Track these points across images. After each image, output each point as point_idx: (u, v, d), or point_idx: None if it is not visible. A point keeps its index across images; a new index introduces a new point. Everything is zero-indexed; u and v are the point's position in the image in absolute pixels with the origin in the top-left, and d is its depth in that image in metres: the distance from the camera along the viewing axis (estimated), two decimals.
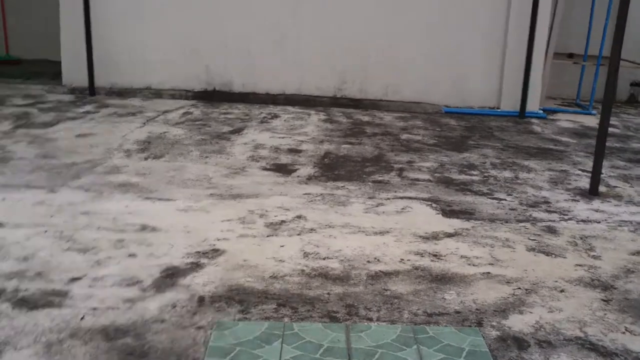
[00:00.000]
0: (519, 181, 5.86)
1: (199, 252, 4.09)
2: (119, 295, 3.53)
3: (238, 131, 7.13)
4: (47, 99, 8.34)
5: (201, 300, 3.51)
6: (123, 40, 8.66)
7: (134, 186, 5.26)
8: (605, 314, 3.57)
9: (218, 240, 4.29)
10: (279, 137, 6.95)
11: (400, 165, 6.14)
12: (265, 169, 5.88)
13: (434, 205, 5.15)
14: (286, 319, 3.35)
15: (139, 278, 3.73)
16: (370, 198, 5.23)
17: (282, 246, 4.24)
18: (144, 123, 7.32)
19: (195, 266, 3.91)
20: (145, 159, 6.04)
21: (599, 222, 4.95)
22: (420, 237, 4.50)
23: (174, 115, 7.71)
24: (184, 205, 4.89)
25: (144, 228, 4.44)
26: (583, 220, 4.97)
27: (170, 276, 3.77)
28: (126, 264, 3.90)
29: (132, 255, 4.02)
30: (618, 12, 5.31)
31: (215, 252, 4.10)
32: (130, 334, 3.17)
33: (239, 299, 3.54)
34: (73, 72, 8.74)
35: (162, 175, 5.56)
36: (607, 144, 5.63)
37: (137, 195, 5.06)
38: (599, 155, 5.51)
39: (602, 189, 5.66)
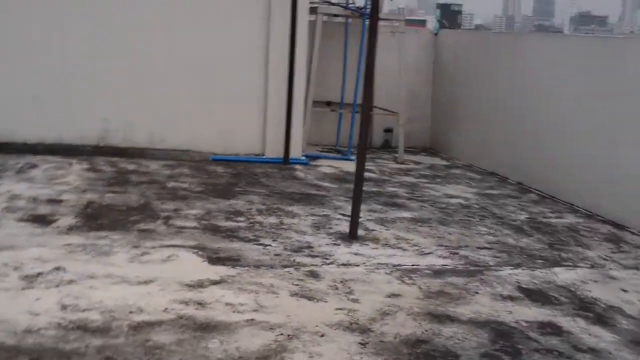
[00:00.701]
0: (283, 226, 6.00)
1: None
2: None
3: None
4: None
5: None
6: None
7: None
8: (361, 357, 3.72)
9: None
10: (38, 188, 6.63)
11: (167, 214, 6.08)
12: (21, 220, 5.59)
13: (200, 252, 5.14)
14: None
15: None
16: (135, 247, 5.12)
17: (38, 299, 4.04)
18: None
19: None
20: None
21: (358, 265, 5.18)
22: (186, 285, 4.47)
23: None
24: None
25: None
26: (343, 264, 5.18)
27: None
28: None
29: None
30: (366, 66, 5.66)
31: None
32: None
33: None
34: None
35: None
36: (364, 188, 5.93)
37: None
38: (356, 199, 5.78)
39: (360, 232, 5.93)
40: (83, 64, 8.32)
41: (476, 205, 7.41)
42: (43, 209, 5.92)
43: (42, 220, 5.61)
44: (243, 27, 8.64)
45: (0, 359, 3.30)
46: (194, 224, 5.86)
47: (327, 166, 8.83)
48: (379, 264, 5.26)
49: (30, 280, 4.32)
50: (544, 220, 6.99)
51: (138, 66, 8.46)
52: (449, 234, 6.25)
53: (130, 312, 3.96)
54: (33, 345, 3.46)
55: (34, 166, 7.52)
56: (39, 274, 4.42)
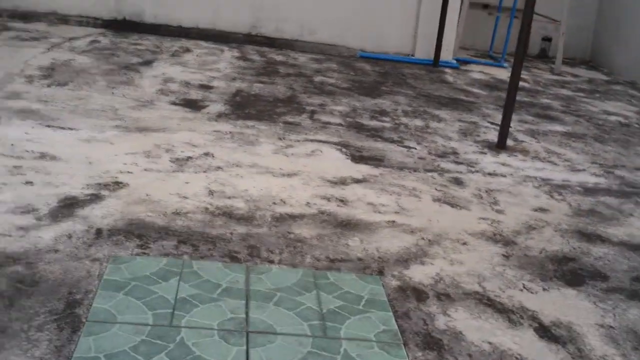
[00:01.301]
0: (429, 130, 5.88)
1: (99, 184, 3.95)
2: (12, 223, 3.37)
3: (148, 63, 6.90)
4: None
5: (99, 232, 3.39)
6: None
7: (34, 113, 5.02)
8: (504, 269, 3.62)
9: (121, 172, 4.15)
10: (190, 72, 6.75)
11: (312, 108, 6.07)
12: (174, 103, 5.71)
13: (343, 150, 5.11)
14: (185, 257, 3.27)
15: (34, 206, 3.57)
16: (280, 139, 5.15)
17: (187, 183, 4.13)
18: (48, 49, 6.99)
19: (95, 198, 3.77)
20: (48, 85, 5.77)
21: (505, 176, 5.01)
22: (328, 181, 4.46)
23: (80, 43, 7.40)
24: (87, 136, 4.71)
25: (43, 156, 4.25)
26: (489, 174, 5.02)
27: (67, 206, 3.62)
28: (22, 191, 3.73)
29: (28, 182, 3.85)
30: None
31: (117, 185, 3.97)
32: (22, 262, 3.03)
33: (138, 233, 3.43)
34: None
35: (65, 104, 5.33)
36: (517, 98, 5.69)
37: (38, 122, 4.84)
38: (508, 109, 5.56)
39: (509, 142, 5.73)
40: None
41: (637, 125, 7.00)
42: (194, 94, 6.03)
43: (193, 105, 5.72)
44: None
45: (151, 238, 3.41)
46: (338, 120, 5.82)
47: (479, 72, 8.54)
48: (526, 176, 5.07)
49: (180, 163, 4.42)
50: None
51: None
52: (605, 152, 5.94)
53: (274, 203, 4.00)
54: (181, 227, 3.56)
55: (187, 50, 7.66)
56: (188, 158, 4.52)
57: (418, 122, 6.06)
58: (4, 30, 7.55)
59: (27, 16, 8.22)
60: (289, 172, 4.51)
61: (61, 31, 7.83)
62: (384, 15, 8.51)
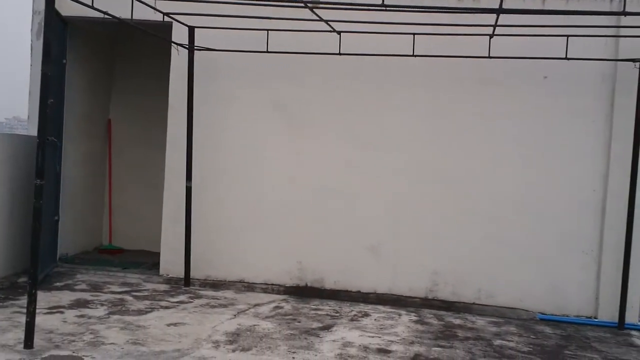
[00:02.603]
0: None
1: None
2: None
3: (327, 328, 7.08)
4: (143, 287, 8.56)
5: None
6: (222, 244, 9.00)
7: None
8: None
9: None
10: (369, 336, 6.85)
11: None
12: None
13: None
14: None
15: None
16: None
17: None
18: (235, 315, 7.37)
19: None
20: (233, 351, 6.03)
21: None
22: None
23: (264, 309, 7.75)
24: None
25: None
26: None
27: None
28: None
29: None
30: None
31: None
32: None
33: None
34: (170, 264, 9.03)
35: None
36: None
37: None
38: None
39: None
40: (413, 215, 8.64)
41: None
42: (373, 359, 6.07)
43: None
44: (576, 170, 8.39)
45: None
46: None
47: None
48: None
49: None
50: None
51: (465, 214, 8.58)
52: None
53: None
54: None
55: (365, 315, 7.82)
56: None
57: None
58: (196, 298, 8.07)
59: (217, 285, 8.79)
60: None
61: (247, 298, 8.27)
62: (563, 278, 8.39)
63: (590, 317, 8.34)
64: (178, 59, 8.98)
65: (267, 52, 8.53)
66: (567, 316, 8.35)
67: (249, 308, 7.76)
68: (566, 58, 7.87)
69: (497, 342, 7.02)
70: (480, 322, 7.91)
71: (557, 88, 8.37)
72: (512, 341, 7.10)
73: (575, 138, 8.36)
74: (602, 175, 8.31)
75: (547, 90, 8.40)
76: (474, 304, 8.50)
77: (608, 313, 8.25)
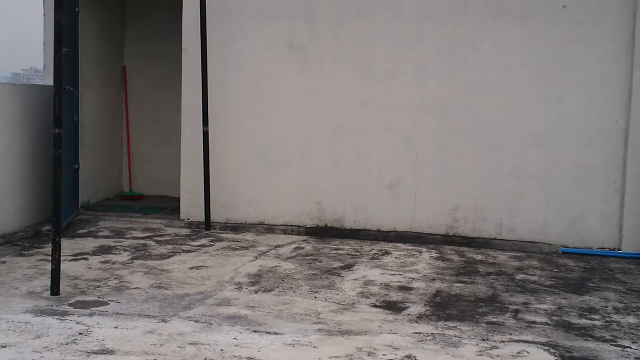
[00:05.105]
0: None
1: None
2: None
3: (348, 267, 7.10)
4: (164, 232, 8.61)
5: None
6: (240, 187, 9.01)
7: (242, 319, 5.26)
8: None
9: None
10: (390, 274, 6.86)
11: (515, 307, 5.91)
12: (375, 305, 5.78)
13: (552, 350, 4.88)
14: None
15: None
16: (483, 340, 5.02)
17: None
18: (256, 257, 7.40)
19: None
20: (256, 292, 6.06)
21: None
22: None
23: (285, 250, 7.78)
24: (290, 340, 4.83)
25: None
26: None
27: None
28: None
29: None
30: None
31: None
32: None
33: None
34: (190, 208, 9.06)
35: (270, 309, 5.55)
36: None
37: (246, 327, 5.05)
38: None
39: None
40: (432, 151, 8.58)
41: None
42: (394, 296, 6.09)
43: (393, 307, 5.75)
44: (597, 101, 8.26)
45: None
46: (544, 319, 5.61)
47: None
48: None
49: None
50: None
51: (484, 147, 8.52)
52: None
53: None
54: None
55: (386, 253, 7.82)
56: None
57: (631, 319, 5.71)
58: (217, 241, 8.11)
59: (237, 227, 8.82)
60: None
61: (268, 240, 8.30)
62: (586, 210, 8.33)
63: (613, 249, 8.30)
64: (190, 1, 8.87)
65: None
66: (591, 249, 8.31)
67: (270, 249, 7.78)
68: None
69: (520, 276, 7.01)
70: (501, 257, 7.89)
71: (576, 17, 8.19)
72: (534, 275, 7.08)
73: (596, 68, 8.21)
74: (624, 105, 8.16)
75: (566, 19, 8.23)
76: (495, 239, 8.48)
77: (632, 244, 8.19)
